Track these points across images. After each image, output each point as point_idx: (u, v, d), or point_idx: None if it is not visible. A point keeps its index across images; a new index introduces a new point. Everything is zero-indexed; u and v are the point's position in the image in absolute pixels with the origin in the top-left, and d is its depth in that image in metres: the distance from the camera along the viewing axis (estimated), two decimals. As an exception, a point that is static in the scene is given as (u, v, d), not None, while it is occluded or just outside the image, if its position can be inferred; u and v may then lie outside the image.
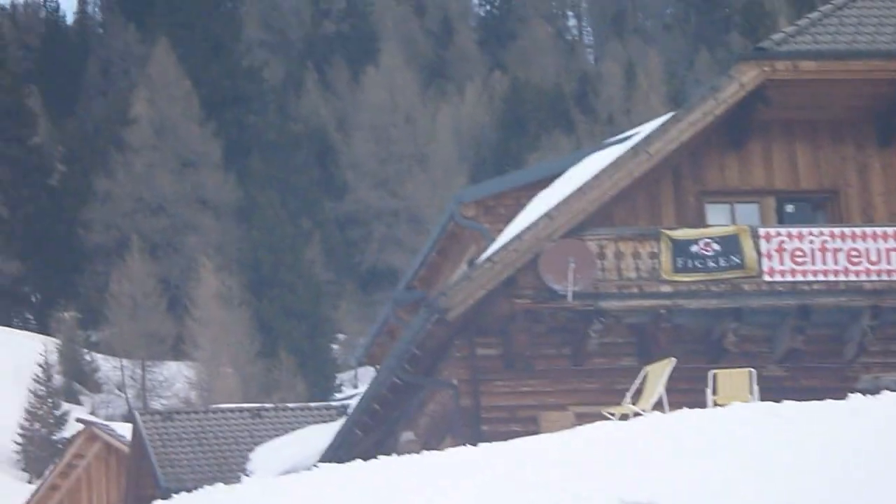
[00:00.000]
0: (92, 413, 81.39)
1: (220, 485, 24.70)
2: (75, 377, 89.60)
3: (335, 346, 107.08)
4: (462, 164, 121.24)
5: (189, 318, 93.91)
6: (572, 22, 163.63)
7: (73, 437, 53.29)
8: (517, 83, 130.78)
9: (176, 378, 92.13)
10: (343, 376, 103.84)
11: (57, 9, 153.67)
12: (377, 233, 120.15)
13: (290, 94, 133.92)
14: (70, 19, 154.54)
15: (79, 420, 72.51)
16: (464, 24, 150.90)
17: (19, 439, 79.43)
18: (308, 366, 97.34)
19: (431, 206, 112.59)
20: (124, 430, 45.93)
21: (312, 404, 50.78)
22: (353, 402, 37.60)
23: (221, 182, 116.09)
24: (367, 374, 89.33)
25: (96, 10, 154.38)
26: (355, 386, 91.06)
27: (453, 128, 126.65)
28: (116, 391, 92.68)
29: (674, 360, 26.74)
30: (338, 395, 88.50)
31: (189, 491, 26.37)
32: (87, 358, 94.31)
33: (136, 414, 44.20)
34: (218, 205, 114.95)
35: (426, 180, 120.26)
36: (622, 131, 36.91)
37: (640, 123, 36.46)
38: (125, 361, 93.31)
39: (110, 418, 74.87)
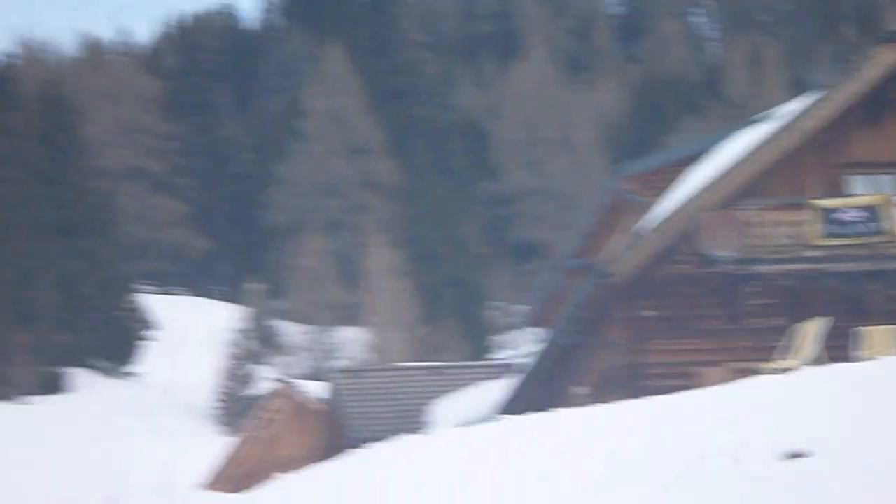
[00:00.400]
0: (277, 373, 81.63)
1: (406, 435, 24.29)
2: (263, 341, 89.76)
3: (489, 312, 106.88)
4: (600, 146, 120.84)
5: (361, 288, 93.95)
6: (698, 18, 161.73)
7: (266, 393, 53.21)
8: (650, 73, 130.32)
9: (351, 342, 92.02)
10: (496, 338, 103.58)
11: (240, 17, 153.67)
12: (525, 209, 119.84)
13: (446, 88, 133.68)
14: (252, 26, 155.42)
15: (271, 378, 72.91)
16: (600, 21, 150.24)
17: (216, 396, 79.61)
18: (466, 329, 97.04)
19: (574, 185, 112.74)
20: (309, 387, 46.12)
21: (483, 362, 50.41)
22: (519, 361, 37.16)
23: (387, 167, 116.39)
24: (519, 336, 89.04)
25: (275, 16, 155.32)
26: (510, 347, 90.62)
27: (592, 114, 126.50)
28: (298, 353, 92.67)
29: (827, 318, 26.28)
30: (492, 356, 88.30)
31: (377, 441, 25.98)
32: (273, 324, 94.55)
33: (330, 372, 44.15)
34: (384, 187, 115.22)
35: (568, 162, 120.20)
36: (748, 115, 36.47)
37: (765, 108, 35.97)
38: (306, 327, 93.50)
39: (293, 377, 75.02)
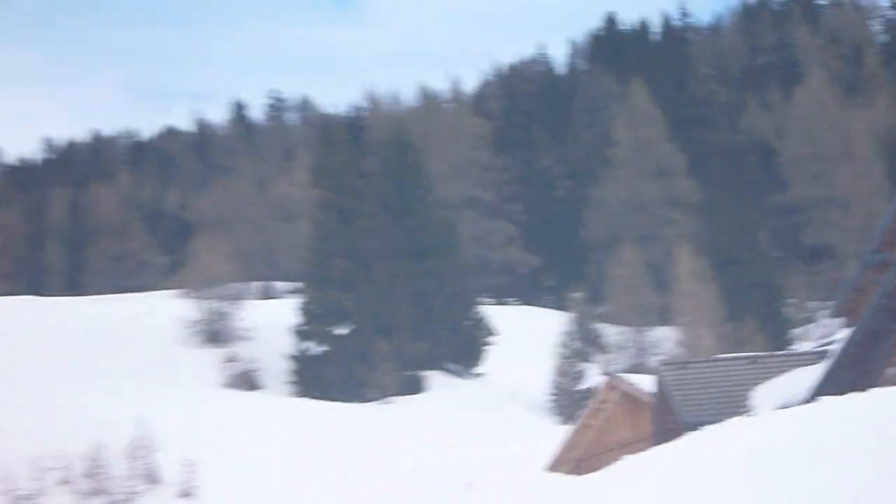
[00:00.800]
0: (602, 369, 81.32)
1: (732, 419, 23.67)
2: (587, 342, 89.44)
3: (786, 308, 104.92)
4: (877, 158, 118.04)
5: (671, 292, 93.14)
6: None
7: (596, 386, 52.87)
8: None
9: (664, 340, 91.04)
10: (794, 332, 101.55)
11: (552, 62, 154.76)
12: (814, 217, 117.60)
13: (736, 113, 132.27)
14: (562, 70, 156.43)
15: (598, 374, 72.65)
16: (870, 47, 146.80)
17: (551, 391, 79.56)
18: (766, 325, 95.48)
19: (855, 193, 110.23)
20: (633, 379, 45.73)
21: (796, 351, 49.16)
22: (828, 349, 35.99)
23: (688, 185, 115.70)
24: (816, 329, 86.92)
25: (581, 60, 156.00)
26: (809, 339, 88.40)
27: (868, 129, 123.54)
28: (618, 351, 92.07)
29: None
30: (792, 347, 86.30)
31: (705, 425, 25.40)
32: (595, 327, 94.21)
33: (654, 366, 43.67)
34: (686, 203, 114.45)
35: (849, 173, 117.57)
36: None
37: None
38: (623, 328, 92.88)
39: (617, 372, 74.67)
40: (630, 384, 45.81)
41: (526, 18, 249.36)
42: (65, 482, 47.85)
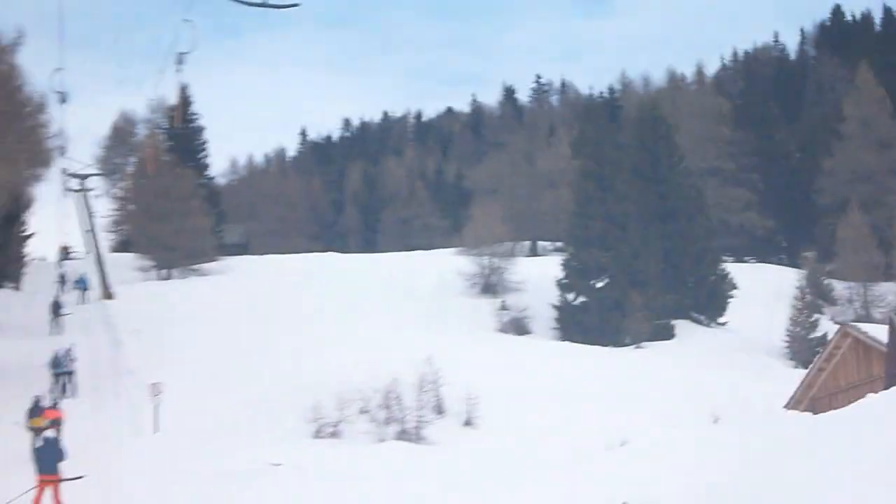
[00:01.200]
0: (831, 319, 79.34)
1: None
2: (818, 295, 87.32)
3: None
4: None
5: (894, 251, 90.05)
6: None
7: (830, 335, 51.69)
8: None
9: (886, 294, 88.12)
10: None
11: (785, 48, 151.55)
12: None
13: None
14: (792, 55, 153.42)
15: (832, 322, 70.95)
16: None
17: (786, 338, 77.96)
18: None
19: None
20: (863, 328, 44.76)
21: None
22: None
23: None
24: None
25: (810, 47, 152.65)
26: None
27: None
28: (846, 305, 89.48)
29: None
30: None
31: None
32: (824, 282, 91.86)
33: (892, 314, 42.40)
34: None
35: None
36: None
37: None
38: (851, 283, 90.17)
39: (846, 322, 72.98)
40: (861, 331, 44.74)
41: (761, 9, 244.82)
42: (364, 412, 49.01)
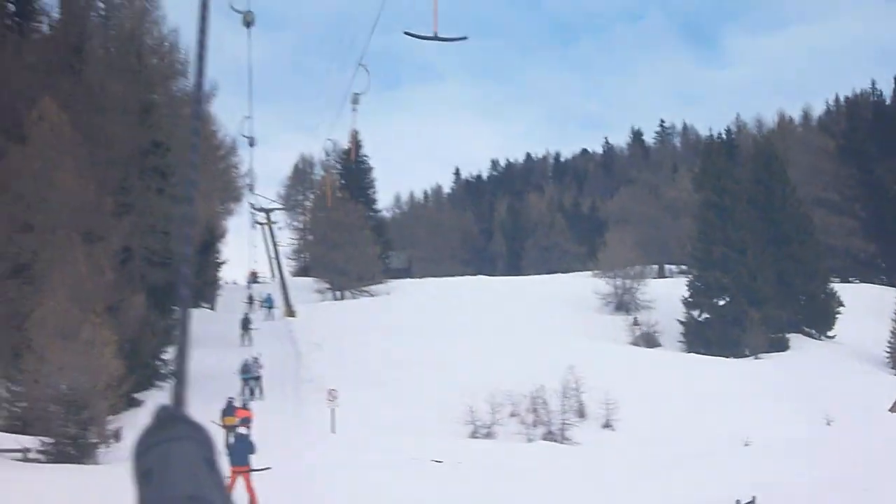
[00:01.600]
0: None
1: None
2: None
3: None
4: None
5: None
6: None
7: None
8: None
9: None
10: None
11: (883, 94, 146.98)
12: None
13: None
14: (889, 99, 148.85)
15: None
16: None
17: (888, 349, 74.96)
18: None
19: None
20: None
21: None
22: None
23: None
24: None
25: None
26: None
27: None
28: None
29: None
30: None
31: None
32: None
33: None
34: None
35: None
36: None
37: None
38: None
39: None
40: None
41: (860, 56, 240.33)
42: (514, 415, 48.80)
